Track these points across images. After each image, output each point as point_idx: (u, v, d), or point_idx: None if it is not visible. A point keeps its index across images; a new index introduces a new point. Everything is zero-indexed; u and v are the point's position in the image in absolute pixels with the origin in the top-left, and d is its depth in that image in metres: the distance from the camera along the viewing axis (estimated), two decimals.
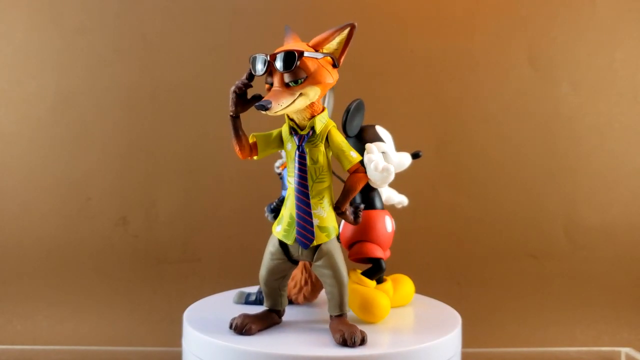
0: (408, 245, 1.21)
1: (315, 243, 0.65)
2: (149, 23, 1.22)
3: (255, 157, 0.67)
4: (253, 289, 0.82)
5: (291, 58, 0.61)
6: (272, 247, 0.68)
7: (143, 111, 1.23)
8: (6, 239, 1.21)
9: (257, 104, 0.60)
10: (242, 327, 0.66)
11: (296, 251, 0.67)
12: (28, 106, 1.22)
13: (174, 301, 1.19)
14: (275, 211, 0.76)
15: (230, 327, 0.67)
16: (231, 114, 0.64)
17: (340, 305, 0.67)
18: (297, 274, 0.79)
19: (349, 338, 0.63)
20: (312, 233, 0.65)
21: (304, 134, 0.65)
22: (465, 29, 1.23)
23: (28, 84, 1.21)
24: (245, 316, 0.68)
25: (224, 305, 0.78)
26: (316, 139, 0.66)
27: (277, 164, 0.81)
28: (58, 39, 1.21)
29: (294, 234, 0.66)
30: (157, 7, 1.22)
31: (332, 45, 0.65)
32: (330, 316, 0.68)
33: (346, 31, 0.65)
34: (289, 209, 0.66)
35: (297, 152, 0.65)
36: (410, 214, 1.22)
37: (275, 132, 0.67)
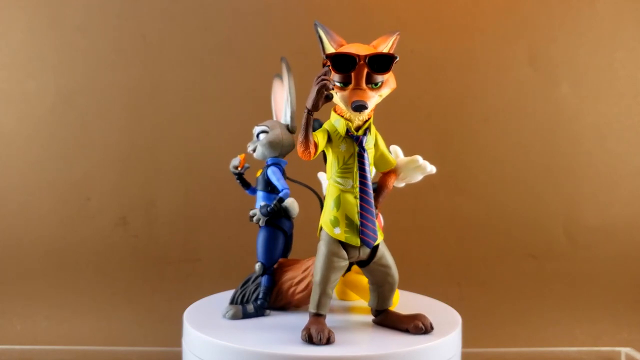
0: (408, 245, 1.21)
1: (377, 242, 0.67)
2: (149, 23, 1.22)
3: (311, 158, 0.65)
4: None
5: (389, 62, 0.64)
6: (333, 250, 0.66)
7: (143, 111, 1.23)
8: (6, 239, 1.21)
9: (356, 104, 0.61)
10: (328, 337, 0.63)
11: (356, 252, 0.66)
12: (28, 106, 1.22)
13: (174, 301, 1.19)
14: (270, 214, 0.73)
15: (310, 340, 0.63)
16: (311, 111, 0.61)
17: (391, 298, 0.70)
18: (306, 276, 0.76)
19: (426, 325, 0.67)
20: (376, 232, 0.66)
21: (360, 135, 0.66)
22: (466, 29, 1.23)
23: (28, 84, 1.21)
24: (318, 325, 0.65)
25: (224, 305, 0.78)
26: (369, 140, 0.67)
27: (236, 162, 0.77)
28: (58, 39, 1.21)
29: (357, 235, 0.66)
30: (158, 8, 1.22)
31: (385, 50, 0.67)
32: (378, 311, 0.71)
33: (394, 38, 0.68)
34: (342, 211, 0.66)
35: (358, 153, 0.65)
36: (410, 214, 1.23)
37: (322, 131, 0.66)
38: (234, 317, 0.72)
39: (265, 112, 0.82)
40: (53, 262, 1.21)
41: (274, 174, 0.74)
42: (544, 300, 1.22)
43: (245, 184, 0.79)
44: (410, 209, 1.22)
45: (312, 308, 0.66)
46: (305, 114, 0.61)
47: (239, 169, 0.77)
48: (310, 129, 0.62)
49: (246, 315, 0.73)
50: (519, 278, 1.23)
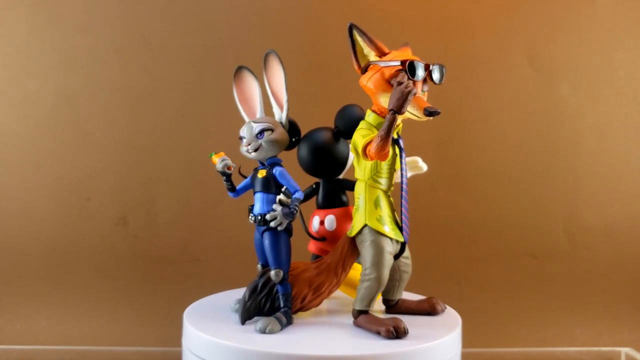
0: (408, 244, 1.21)
1: None
2: (149, 23, 1.22)
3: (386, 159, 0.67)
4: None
5: (444, 72, 0.68)
6: (386, 247, 0.68)
7: (143, 111, 1.23)
8: (6, 239, 1.21)
9: (431, 110, 0.64)
10: (406, 328, 0.66)
11: (394, 248, 0.70)
12: (28, 106, 1.22)
13: (174, 301, 1.19)
14: (293, 217, 0.69)
15: (395, 335, 0.65)
16: (398, 113, 0.62)
17: (403, 287, 0.76)
18: (323, 281, 0.73)
19: (442, 306, 0.76)
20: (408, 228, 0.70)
21: (397, 138, 0.69)
22: (465, 29, 1.23)
23: (28, 84, 1.21)
24: (390, 319, 0.67)
25: (224, 305, 0.78)
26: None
27: (229, 162, 0.72)
28: (58, 39, 1.21)
29: (400, 231, 0.70)
30: (157, 8, 1.23)
31: None
32: (397, 301, 0.75)
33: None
34: (385, 210, 0.69)
35: (400, 154, 0.69)
36: (410, 214, 1.23)
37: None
38: (274, 331, 0.66)
39: (265, 112, 0.81)
40: (53, 262, 1.21)
41: (284, 175, 0.70)
42: (544, 300, 1.22)
43: (233, 186, 0.74)
44: (410, 209, 1.22)
45: (365, 306, 0.68)
46: (391, 115, 0.62)
47: (231, 169, 0.72)
48: (392, 131, 0.63)
49: (283, 327, 0.68)
50: (519, 278, 1.23)
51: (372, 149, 0.63)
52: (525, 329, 1.21)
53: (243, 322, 0.69)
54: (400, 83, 0.63)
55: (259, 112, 0.75)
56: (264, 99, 0.75)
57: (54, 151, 1.22)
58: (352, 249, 0.72)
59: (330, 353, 0.61)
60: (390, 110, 0.62)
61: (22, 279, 1.21)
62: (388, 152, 0.63)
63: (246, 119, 0.76)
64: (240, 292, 0.83)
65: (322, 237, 0.78)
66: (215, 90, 1.22)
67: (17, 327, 1.19)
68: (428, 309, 0.75)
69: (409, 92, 0.62)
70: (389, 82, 0.66)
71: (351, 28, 0.69)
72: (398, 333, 0.65)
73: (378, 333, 0.66)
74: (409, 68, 0.66)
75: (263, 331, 0.66)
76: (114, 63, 1.22)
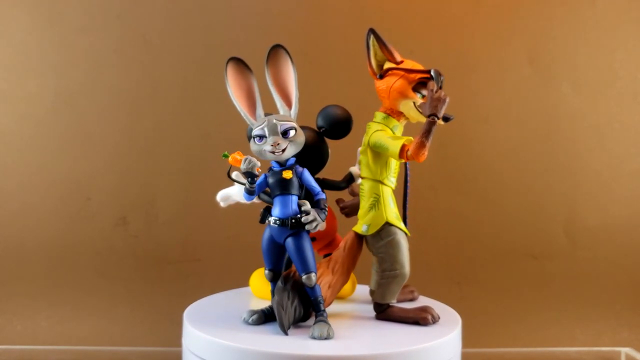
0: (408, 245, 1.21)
1: None
2: (149, 23, 1.23)
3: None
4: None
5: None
6: (407, 243, 0.71)
7: (143, 111, 1.23)
8: (6, 239, 1.21)
9: (447, 116, 0.68)
10: (438, 315, 0.70)
11: None
12: (28, 106, 1.22)
13: (174, 301, 1.19)
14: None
15: (432, 322, 0.70)
16: (438, 118, 0.66)
17: None
18: (337, 280, 0.73)
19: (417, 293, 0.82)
20: None
21: None
22: (465, 29, 1.23)
23: (28, 84, 1.21)
24: (425, 307, 0.71)
25: (224, 304, 0.78)
26: None
27: (256, 162, 0.66)
28: (58, 39, 1.21)
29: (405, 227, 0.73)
30: (158, 8, 1.23)
31: None
32: None
33: None
34: (396, 207, 0.72)
35: None
36: (409, 213, 1.23)
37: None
38: (331, 336, 0.65)
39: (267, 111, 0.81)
40: (53, 262, 1.21)
41: (308, 176, 0.67)
42: (544, 300, 1.22)
43: (253, 190, 0.68)
44: (410, 209, 1.22)
45: (391, 299, 0.71)
46: (432, 120, 0.66)
47: (259, 170, 0.66)
48: (432, 134, 0.67)
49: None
50: (519, 278, 1.23)
51: (413, 150, 0.67)
52: (525, 329, 1.21)
53: (286, 332, 0.66)
54: (434, 91, 0.66)
55: (258, 109, 0.70)
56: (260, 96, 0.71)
57: (54, 151, 1.22)
58: (359, 246, 0.73)
59: (329, 353, 0.61)
60: (430, 115, 0.66)
61: (22, 279, 1.21)
62: (426, 153, 0.67)
63: (244, 115, 0.71)
64: (240, 292, 0.83)
65: (312, 237, 0.78)
66: (216, 90, 1.22)
67: (17, 327, 1.19)
68: (410, 297, 0.81)
69: (446, 99, 0.65)
70: (413, 89, 0.69)
71: (369, 33, 0.71)
72: (434, 319, 0.70)
73: (416, 322, 0.69)
74: (437, 76, 0.69)
75: (324, 337, 0.64)
76: (114, 63, 1.22)
